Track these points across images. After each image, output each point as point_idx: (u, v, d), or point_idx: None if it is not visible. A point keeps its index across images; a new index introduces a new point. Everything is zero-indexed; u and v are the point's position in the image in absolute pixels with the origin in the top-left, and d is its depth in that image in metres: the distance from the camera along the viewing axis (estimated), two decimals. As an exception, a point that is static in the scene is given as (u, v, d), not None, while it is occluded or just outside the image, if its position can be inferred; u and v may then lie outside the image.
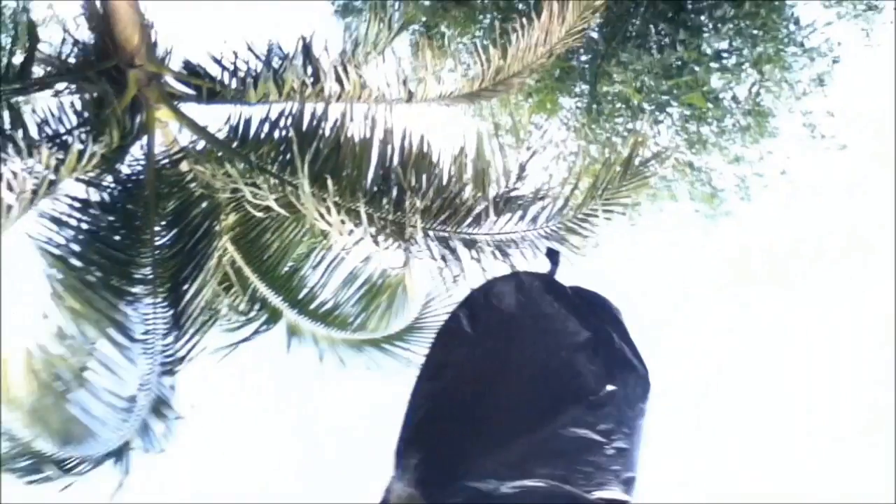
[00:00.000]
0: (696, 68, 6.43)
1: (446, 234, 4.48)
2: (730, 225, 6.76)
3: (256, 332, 4.96)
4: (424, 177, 4.72)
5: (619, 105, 6.69)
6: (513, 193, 4.71)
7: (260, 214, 4.64)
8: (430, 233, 4.57)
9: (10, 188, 4.41)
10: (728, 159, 6.65)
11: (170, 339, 4.56)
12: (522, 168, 4.82)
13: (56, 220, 4.76)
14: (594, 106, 6.67)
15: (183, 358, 4.51)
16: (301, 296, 5.07)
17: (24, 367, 4.02)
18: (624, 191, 4.46)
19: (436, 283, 4.94)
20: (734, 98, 6.71)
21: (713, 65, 6.63)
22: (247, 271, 5.01)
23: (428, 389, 2.40)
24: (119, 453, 4.14)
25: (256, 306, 5.00)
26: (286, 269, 5.06)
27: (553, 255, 2.56)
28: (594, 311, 2.57)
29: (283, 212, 4.51)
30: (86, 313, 4.50)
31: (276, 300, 5.04)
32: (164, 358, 4.49)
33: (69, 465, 3.99)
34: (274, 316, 5.03)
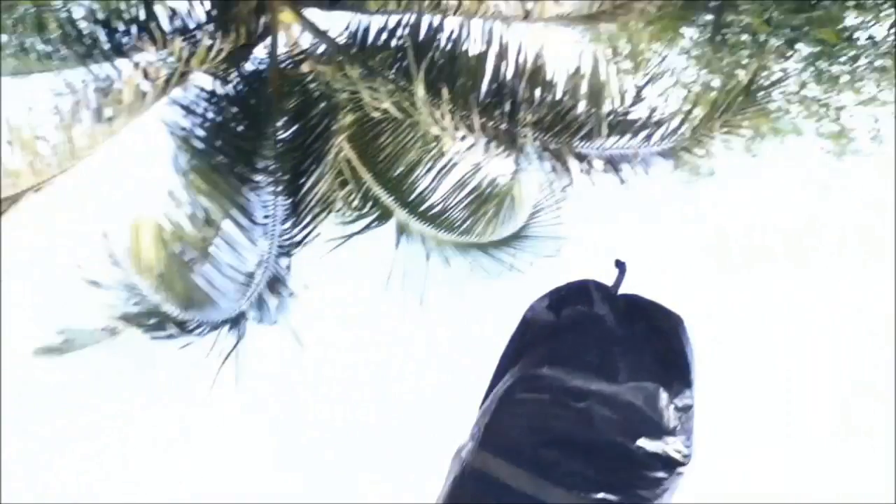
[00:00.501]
0: (831, 3, 6.18)
1: (557, 147, 4.56)
2: (857, 163, 6.53)
3: (368, 227, 5.20)
4: (538, 91, 4.79)
5: (744, 37, 6.50)
6: (628, 117, 4.73)
7: (377, 115, 4.80)
8: (541, 144, 4.65)
9: (145, 76, 4.73)
10: (860, 98, 6.41)
11: (288, 224, 4.85)
12: (639, 92, 4.82)
13: (186, 108, 5.09)
14: (717, 37, 6.51)
15: (299, 242, 4.80)
16: (412, 198, 5.26)
17: (155, 238, 4.34)
18: (743, 116, 4.41)
19: (544, 194, 5.03)
20: (871, 38, 6.42)
21: (849, 2, 6.35)
22: (361, 170, 5.22)
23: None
24: (235, 321, 4.47)
25: (369, 203, 5.22)
26: (399, 171, 5.25)
27: (621, 266, 2.54)
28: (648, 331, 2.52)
29: (398, 114, 4.66)
30: (212, 195, 4.83)
31: (387, 200, 5.25)
32: (281, 241, 4.78)
33: (190, 327, 4.33)
34: (385, 214, 5.25)
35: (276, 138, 5.17)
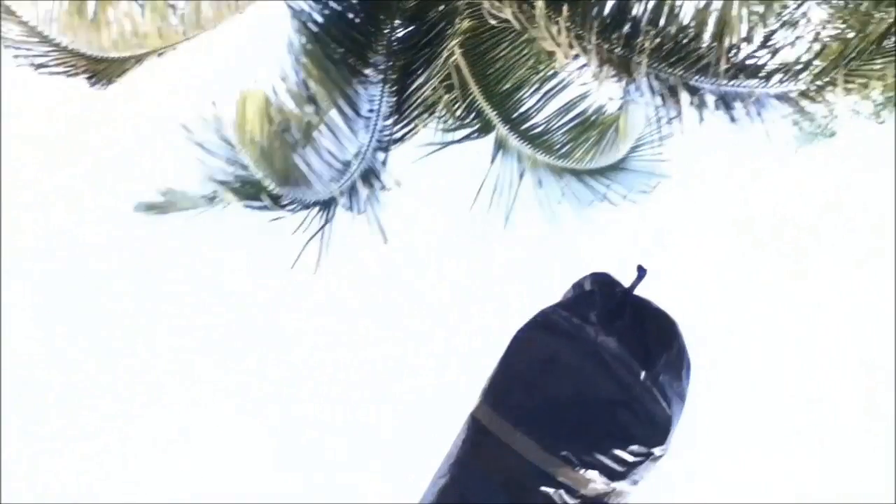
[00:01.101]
0: None
1: (670, 78, 4.43)
2: None
3: (467, 137, 5.22)
4: (662, 19, 4.65)
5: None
6: (750, 60, 4.55)
7: (494, 24, 4.78)
8: (655, 74, 4.53)
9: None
10: None
11: (390, 121, 4.91)
12: (768, 37, 4.62)
13: (308, -8, 5.16)
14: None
15: (397, 140, 4.87)
16: (515, 115, 5.24)
17: (261, 112, 4.47)
18: (873, 67, 4.17)
19: (649, 129, 4.93)
20: None
21: None
22: (470, 80, 5.22)
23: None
24: (326, 204, 4.60)
25: (472, 114, 5.23)
26: (507, 86, 5.23)
27: (641, 271, 2.64)
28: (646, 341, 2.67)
29: (517, 24, 4.62)
30: (323, 81, 4.93)
31: (491, 113, 5.24)
32: (381, 136, 4.86)
33: (283, 202, 4.48)
34: (486, 127, 5.26)
35: (391, 36, 5.21)
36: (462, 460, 2.76)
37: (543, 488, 2.53)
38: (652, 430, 2.57)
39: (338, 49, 5.08)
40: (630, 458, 2.54)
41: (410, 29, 5.30)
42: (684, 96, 4.38)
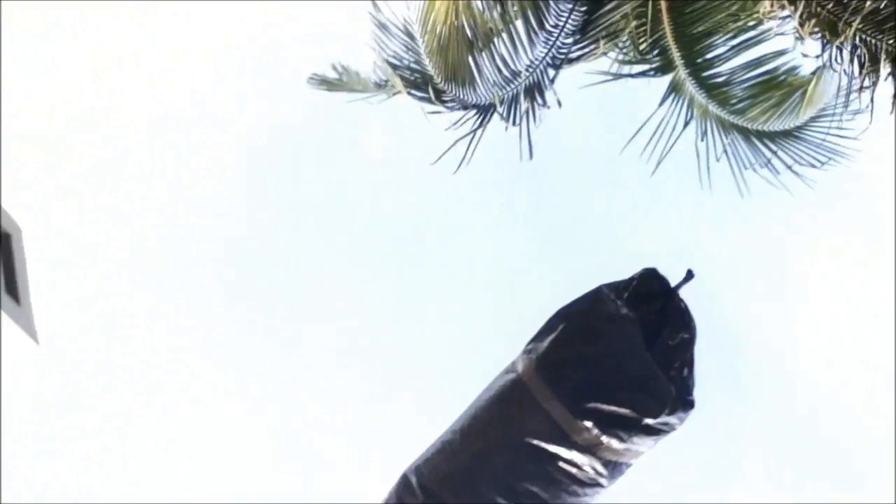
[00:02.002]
0: None
1: (878, 44, 4.10)
2: None
3: (644, 73, 5.05)
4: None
5: None
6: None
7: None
8: (861, 38, 4.21)
9: None
10: None
11: (570, 39, 4.86)
12: None
13: None
14: None
15: (572, 59, 4.82)
16: (700, 59, 5.02)
17: (448, 6, 4.55)
18: None
19: (839, 100, 4.61)
20: None
21: None
22: (664, 14, 5.03)
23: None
24: (484, 109, 4.66)
25: (655, 51, 5.05)
26: (701, 28, 4.99)
27: (690, 274, 3.10)
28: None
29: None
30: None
31: (675, 53, 5.04)
32: (557, 52, 4.83)
33: (445, 98, 4.59)
34: (666, 67, 5.06)
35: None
36: (490, 408, 3.03)
37: (558, 448, 2.89)
38: (655, 403, 2.92)
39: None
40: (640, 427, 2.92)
41: (614, -52, 5.16)
42: (886, 66, 4.05)
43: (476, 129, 4.57)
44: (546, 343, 3.11)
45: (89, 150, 6.85)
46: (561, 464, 2.90)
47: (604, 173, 6.18)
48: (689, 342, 3.16)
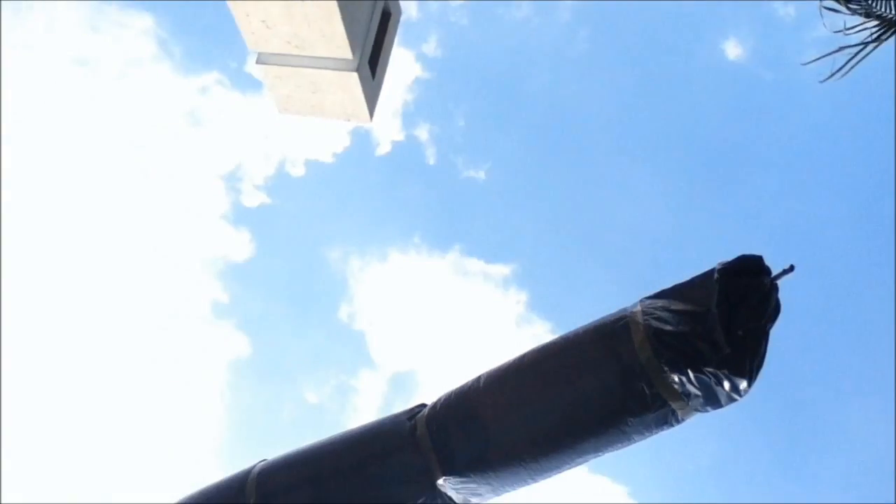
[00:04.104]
0: None
1: None
2: None
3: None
4: None
5: None
6: None
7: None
8: None
9: None
10: None
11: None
12: None
13: None
14: None
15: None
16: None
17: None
18: None
19: None
20: None
21: None
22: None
23: None
24: (888, 24, 4.58)
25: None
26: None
27: (790, 268, 3.01)
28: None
29: None
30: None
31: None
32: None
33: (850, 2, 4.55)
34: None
35: None
36: (593, 336, 3.23)
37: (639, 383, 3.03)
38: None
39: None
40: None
41: None
42: None
43: (870, 42, 4.52)
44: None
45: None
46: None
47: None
48: (765, 336, 3.16)
